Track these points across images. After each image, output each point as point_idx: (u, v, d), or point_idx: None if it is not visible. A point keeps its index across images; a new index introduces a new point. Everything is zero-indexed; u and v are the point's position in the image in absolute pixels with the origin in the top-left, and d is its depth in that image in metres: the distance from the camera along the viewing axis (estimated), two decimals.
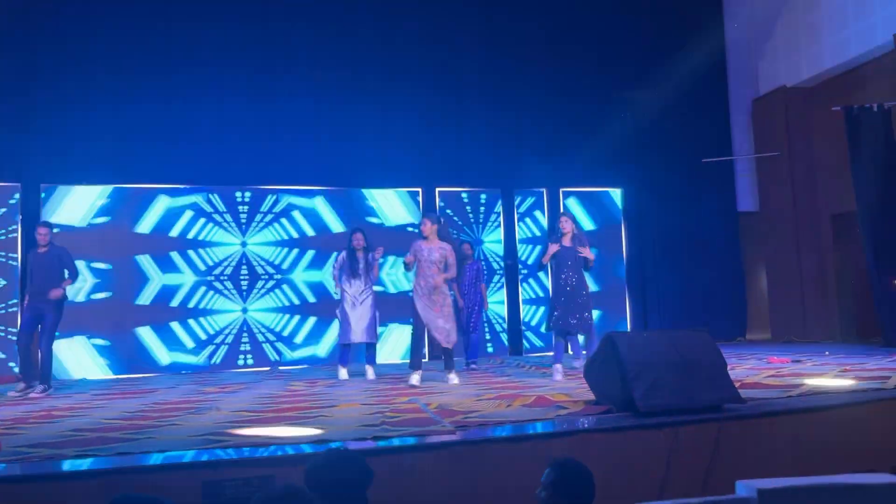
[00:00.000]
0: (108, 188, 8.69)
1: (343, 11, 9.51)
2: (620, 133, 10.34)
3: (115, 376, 8.34)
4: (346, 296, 6.88)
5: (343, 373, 6.96)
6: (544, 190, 10.19)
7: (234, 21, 9.20)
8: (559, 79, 10.04)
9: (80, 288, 8.37)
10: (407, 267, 6.11)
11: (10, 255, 8.31)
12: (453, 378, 6.04)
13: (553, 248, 6.20)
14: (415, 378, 5.97)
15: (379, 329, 7.07)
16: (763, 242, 10.76)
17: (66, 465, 3.17)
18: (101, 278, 8.55)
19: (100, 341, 8.48)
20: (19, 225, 8.37)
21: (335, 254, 7.53)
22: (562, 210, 8.97)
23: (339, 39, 9.53)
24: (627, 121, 10.42)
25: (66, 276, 6.61)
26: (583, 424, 3.77)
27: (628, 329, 10.10)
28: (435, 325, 5.98)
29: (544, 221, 10.09)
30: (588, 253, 6.28)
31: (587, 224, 10.16)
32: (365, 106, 9.53)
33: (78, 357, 8.39)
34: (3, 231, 8.33)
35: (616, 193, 10.52)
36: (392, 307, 8.83)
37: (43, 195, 8.50)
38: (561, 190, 10.25)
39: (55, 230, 7.11)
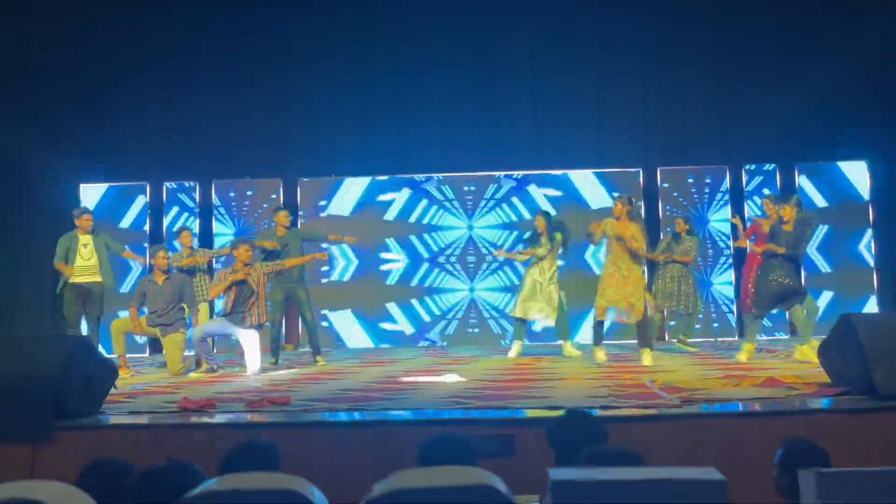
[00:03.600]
0: (365, 180, 9.65)
1: None
2: (865, 98, 9.40)
3: (374, 346, 9.32)
4: None
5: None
6: (776, 165, 9.64)
7: (455, 9, 9.69)
8: (790, 40, 9.30)
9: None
10: (591, 239, 6.38)
11: None
12: (645, 356, 6.14)
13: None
14: (600, 355, 6.24)
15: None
16: None
17: (344, 417, 3.82)
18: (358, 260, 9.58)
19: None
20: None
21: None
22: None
23: (551, 18, 9.65)
24: (874, 83, 9.43)
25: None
26: (816, 404, 3.73)
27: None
28: (619, 298, 6.14)
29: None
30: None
31: (821, 202, 9.44)
32: (581, 84, 9.64)
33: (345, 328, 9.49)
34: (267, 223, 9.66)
35: (860, 166, 9.64)
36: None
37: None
38: (795, 164, 9.62)
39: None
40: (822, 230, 9.26)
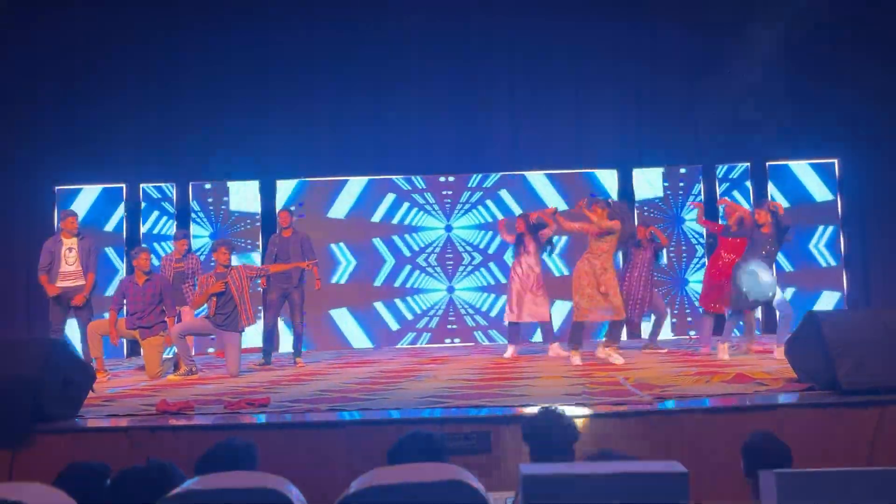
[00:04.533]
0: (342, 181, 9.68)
1: None
2: (836, 97, 9.56)
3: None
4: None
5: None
6: (748, 164, 9.81)
7: (431, 12, 9.73)
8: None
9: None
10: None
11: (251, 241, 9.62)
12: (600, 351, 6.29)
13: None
14: (576, 358, 6.20)
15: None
16: None
17: (322, 417, 3.86)
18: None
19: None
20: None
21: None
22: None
23: (528, 20, 9.72)
24: (845, 83, 9.58)
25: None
26: (782, 399, 3.84)
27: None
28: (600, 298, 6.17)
29: (750, 196, 9.71)
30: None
31: (791, 200, 9.61)
32: (557, 86, 9.74)
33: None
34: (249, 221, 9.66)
35: (831, 164, 9.82)
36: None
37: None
38: (767, 163, 9.79)
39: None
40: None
